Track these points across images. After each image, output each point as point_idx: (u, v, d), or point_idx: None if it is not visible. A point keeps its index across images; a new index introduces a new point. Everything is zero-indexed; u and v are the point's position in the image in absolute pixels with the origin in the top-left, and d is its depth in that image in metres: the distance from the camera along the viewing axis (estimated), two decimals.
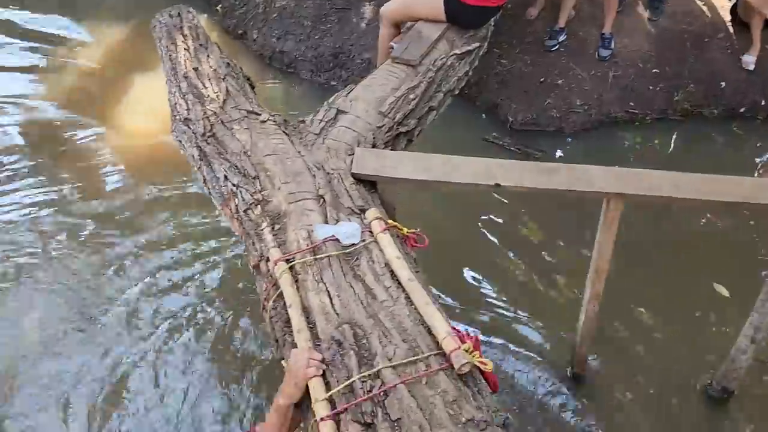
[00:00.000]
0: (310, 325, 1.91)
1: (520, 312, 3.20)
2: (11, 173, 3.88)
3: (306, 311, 1.95)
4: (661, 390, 2.87)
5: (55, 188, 3.79)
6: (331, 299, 1.95)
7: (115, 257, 3.38)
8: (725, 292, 3.30)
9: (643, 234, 3.66)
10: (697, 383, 2.91)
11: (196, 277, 3.30)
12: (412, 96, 2.94)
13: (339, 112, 2.77)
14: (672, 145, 4.44)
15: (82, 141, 4.23)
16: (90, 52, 5.28)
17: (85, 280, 3.26)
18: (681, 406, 2.82)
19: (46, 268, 3.29)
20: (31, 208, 3.62)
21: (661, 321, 3.17)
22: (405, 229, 2.23)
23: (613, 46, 4.65)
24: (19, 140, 4.22)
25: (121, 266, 3.34)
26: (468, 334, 1.82)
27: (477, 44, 3.58)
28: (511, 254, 3.54)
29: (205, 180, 2.53)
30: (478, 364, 1.75)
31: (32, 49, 5.25)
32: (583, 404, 2.83)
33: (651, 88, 4.65)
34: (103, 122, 4.42)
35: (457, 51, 3.39)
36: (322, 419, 1.62)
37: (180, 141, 2.68)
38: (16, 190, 3.76)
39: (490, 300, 3.25)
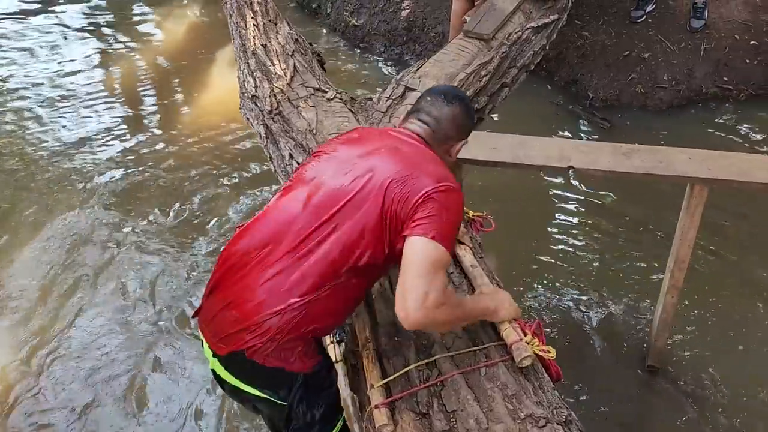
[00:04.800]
0: (369, 308, 1.89)
1: (592, 297, 3.06)
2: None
3: (367, 295, 1.92)
4: (743, 393, 2.67)
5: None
6: (391, 284, 1.92)
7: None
8: None
9: (733, 218, 3.41)
10: None
11: None
12: (483, 72, 2.83)
13: (407, 89, 2.70)
14: None
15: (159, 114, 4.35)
16: (167, 27, 5.42)
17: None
18: (764, 417, 2.61)
19: None
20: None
21: (750, 319, 2.93)
22: (470, 212, 2.16)
23: (706, 16, 4.33)
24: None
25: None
26: (527, 323, 1.74)
27: (555, 16, 3.40)
28: (586, 234, 3.38)
29: (271, 158, 2.53)
30: (539, 353, 1.68)
31: (107, 28, 5.46)
32: (658, 400, 2.68)
33: (748, 61, 4.30)
34: (180, 99, 4.53)
35: (534, 24, 3.22)
36: (376, 406, 1.59)
37: (248, 118, 2.69)
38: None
39: (560, 283, 3.12)
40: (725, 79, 4.30)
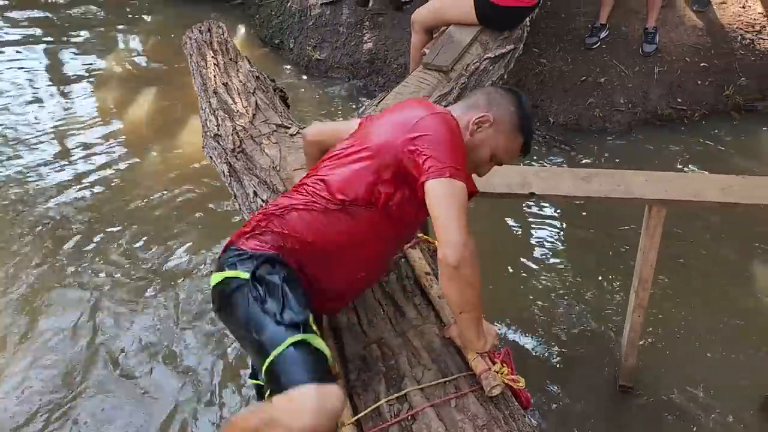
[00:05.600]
0: (338, 344, 1.88)
1: (563, 318, 3.08)
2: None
3: (334, 330, 1.92)
4: (715, 404, 2.72)
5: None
6: (359, 317, 1.92)
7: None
8: None
9: (693, 235, 3.49)
10: (755, 396, 2.74)
11: None
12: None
13: None
14: (723, 143, 4.23)
15: (121, 158, 4.30)
16: (131, 66, 5.40)
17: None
18: (739, 421, 2.66)
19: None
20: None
21: (716, 330, 3.00)
22: (436, 242, 2.17)
23: (657, 40, 4.48)
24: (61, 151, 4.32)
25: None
26: (496, 352, 1.75)
27: (512, 46, 3.48)
28: (555, 255, 3.42)
29: (235, 196, 2.53)
30: (508, 383, 1.69)
31: (71, 66, 5.42)
32: (631, 419, 2.70)
33: (699, 82, 4.46)
34: (145, 140, 4.49)
35: (491, 54, 3.31)
36: None
37: (211, 157, 2.68)
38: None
39: (530, 304, 3.14)
40: (679, 100, 4.44)
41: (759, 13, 4.62)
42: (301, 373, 1.42)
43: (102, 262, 3.33)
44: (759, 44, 4.49)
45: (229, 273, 1.61)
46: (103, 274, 3.25)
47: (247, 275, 1.57)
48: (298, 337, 1.47)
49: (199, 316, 3.03)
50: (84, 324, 2.97)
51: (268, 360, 1.46)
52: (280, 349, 1.45)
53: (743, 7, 4.68)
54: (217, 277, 1.64)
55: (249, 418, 1.49)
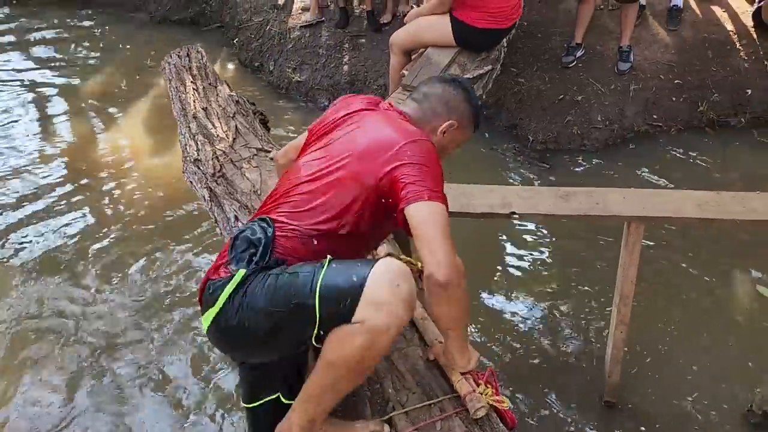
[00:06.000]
0: None
1: (547, 334, 3.09)
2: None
3: (318, 354, 1.91)
4: (699, 416, 2.73)
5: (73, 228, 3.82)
6: None
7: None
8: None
9: (672, 251, 3.53)
10: (737, 409, 2.76)
11: None
12: None
13: None
14: (698, 159, 4.30)
15: (100, 183, 4.27)
16: (110, 91, 5.38)
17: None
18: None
19: None
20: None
21: (699, 344, 3.03)
22: (419, 264, 2.18)
23: (632, 58, 4.56)
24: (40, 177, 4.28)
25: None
26: (480, 372, 1.75)
27: (489, 67, 3.53)
28: (538, 272, 3.44)
29: (216, 221, 2.51)
30: (493, 404, 1.69)
31: (47, 92, 5.40)
32: None
33: (674, 99, 4.54)
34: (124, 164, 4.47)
35: (469, 75, 3.35)
36: None
37: (191, 182, 2.67)
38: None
39: (511, 327, 3.15)
40: (654, 116, 4.51)
41: (730, 30, 4.73)
42: (361, 265, 1.48)
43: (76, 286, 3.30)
44: (731, 61, 4.58)
45: (221, 299, 1.54)
46: (78, 298, 3.23)
47: (243, 272, 1.53)
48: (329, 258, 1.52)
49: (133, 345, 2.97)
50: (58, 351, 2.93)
51: (318, 287, 1.44)
52: (322, 272, 1.47)
53: (715, 25, 4.79)
54: (210, 314, 1.57)
55: (343, 355, 1.45)
